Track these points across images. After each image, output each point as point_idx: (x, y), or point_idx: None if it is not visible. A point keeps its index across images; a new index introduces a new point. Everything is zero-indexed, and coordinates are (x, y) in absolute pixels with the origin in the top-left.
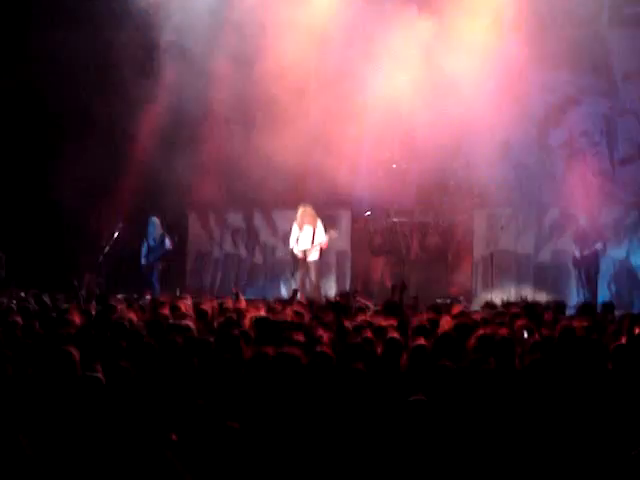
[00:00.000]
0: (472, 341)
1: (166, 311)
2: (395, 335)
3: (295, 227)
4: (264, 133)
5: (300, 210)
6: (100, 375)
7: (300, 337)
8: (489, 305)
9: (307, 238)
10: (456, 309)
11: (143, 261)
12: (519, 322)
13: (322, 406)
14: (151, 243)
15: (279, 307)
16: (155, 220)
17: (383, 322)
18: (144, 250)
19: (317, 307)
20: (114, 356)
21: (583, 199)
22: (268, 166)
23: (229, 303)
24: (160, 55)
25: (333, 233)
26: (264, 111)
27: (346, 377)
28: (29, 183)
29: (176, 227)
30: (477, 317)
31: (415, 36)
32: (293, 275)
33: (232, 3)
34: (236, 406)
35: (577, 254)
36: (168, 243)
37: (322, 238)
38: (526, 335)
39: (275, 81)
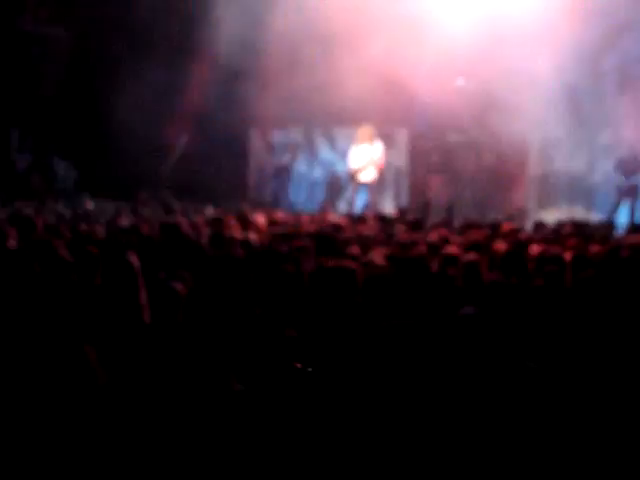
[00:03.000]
0: (524, 258)
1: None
2: (452, 251)
3: (353, 146)
4: (326, 54)
5: (359, 129)
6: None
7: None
8: (539, 225)
9: (364, 156)
10: (506, 227)
11: None
12: (570, 241)
13: (376, 318)
14: None
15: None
16: None
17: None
18: None
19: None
20: (175, 267)
21: (634, 123)
22: (328, 85)
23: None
24: None
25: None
26: (326, 34)
27: (399, 291)
28: (96, 100)
29: (237, 142)
30: (526, 236)
31: None
32: (343, 189)
33: None
34: (294, 317)
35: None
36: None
37: (378, 157)
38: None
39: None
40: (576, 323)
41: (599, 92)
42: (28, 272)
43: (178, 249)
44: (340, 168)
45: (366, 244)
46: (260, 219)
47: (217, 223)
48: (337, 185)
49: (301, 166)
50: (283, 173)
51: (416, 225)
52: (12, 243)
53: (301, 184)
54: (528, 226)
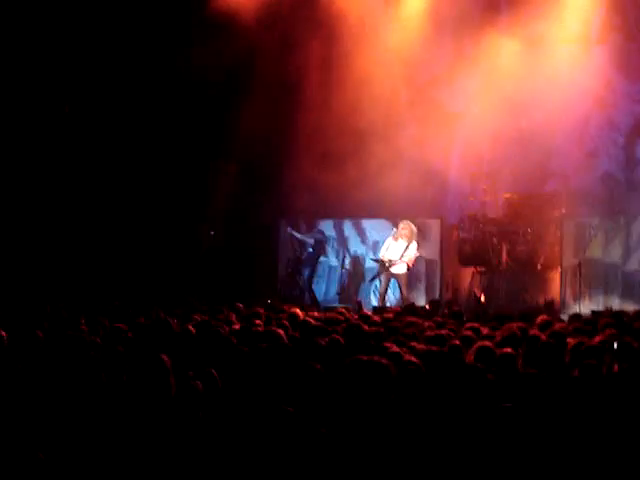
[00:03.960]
0: (562, 349)
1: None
2: (487, 344)
3: (390, 238)
4: (353, 143)
5: (401, 224)
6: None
7: (392, 347)
8: (575, 316)
9: (398, 251)
10: (541, 318)
11: None
12: (608, 331)
13: (411, 415)
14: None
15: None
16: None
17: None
18: None
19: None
20: (206, 363)
21: None
22: (356, 175)
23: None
24: None
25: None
26: (352, 122)
27: (433, 387)
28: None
29: (267, 236)
30: (562, 327)
31: (504, 50)
32: (373, 279)
33: None
34: (325, 414)
35: None
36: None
37: (412, 255)
38: (616, 345)
39: (365, 88)
40: (615, 415)
41: (633, 179)
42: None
43: (210, 345)
44: (369, 261)
45: (399, 339)
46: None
47: (248, 318)
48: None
49: (332, 259)
50: (308, 266)
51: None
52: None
53: (331, 277)
54: (563, 317)
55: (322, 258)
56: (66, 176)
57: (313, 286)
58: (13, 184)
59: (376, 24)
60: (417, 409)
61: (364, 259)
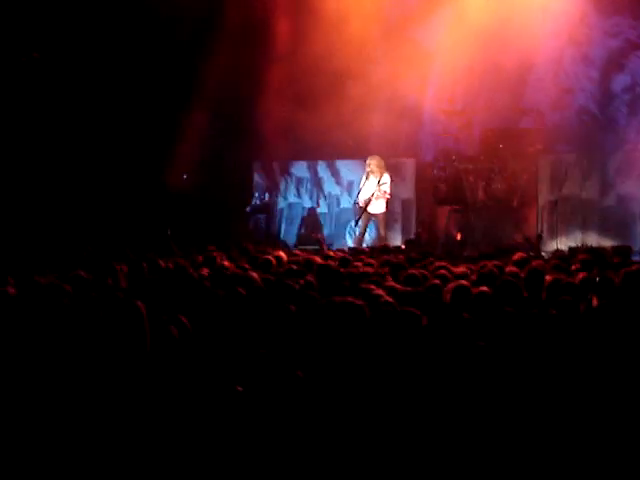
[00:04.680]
0: (539, 286)
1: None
2: (463, 283)
3: (362, 178)
4: (331, 87)
5: (368, 160)
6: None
7: (369, 286)
8: (558, 253)
9: (370, 188)
10: (518, 255)
11: None
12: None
13: (385, 354)
14: None
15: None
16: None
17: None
18: None
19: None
20: (178, 308)
21: None
22: (332, 116)
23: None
24: None
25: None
26: (325, 63)
27: (407, 324)
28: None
29: (241, 177)
30: (539, 263)
31: None
32: (356, 224)
33: None
34: (301, 356)
35: None
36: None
37: (387, 188)
38: (597, 280)
39: (337, 29)
40: (591, 352)
41: (609, 115)
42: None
43: (182, 290)
44: (345, 201)
45: (376, 279)
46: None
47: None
48: (343, 217)
49: (305, 200)
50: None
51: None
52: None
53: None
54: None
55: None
56: (34, 122)
57: (282, 227)
58: None
59: None
60: (392, 350)
61: (339, 200)
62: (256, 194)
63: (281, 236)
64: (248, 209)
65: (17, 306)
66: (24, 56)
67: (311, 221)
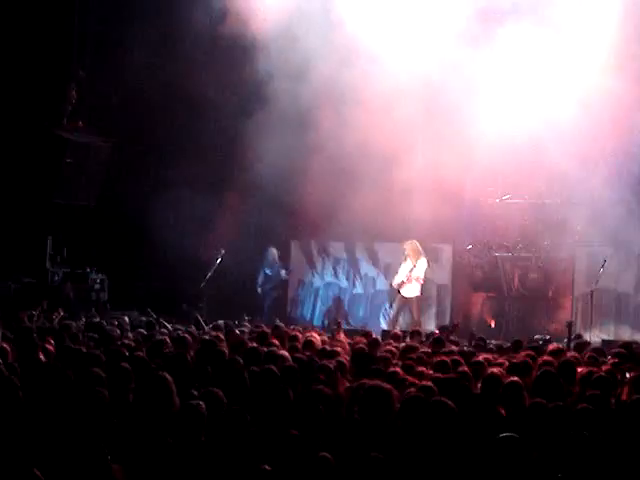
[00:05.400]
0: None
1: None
2: (495, 371)
3: (401, 261)
4: (368, 165)
5: (404, 244)
6: (201, 403)
7: (396, 370)
8: (580, 345)
9: (405, 272)
10: (552, 347)
11: (259, 289)
12: (619, 362)
13: (413, 441)
14: (267, 272)
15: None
16: (272, 250)
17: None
18: (260, 279)
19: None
20: (209, 383)
21: None
22: (373, 199)
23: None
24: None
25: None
26: (369, 145)
27: (439, 413)
28: (131, 210)
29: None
30: (573, 356)
31: (524, 77)
32: (390, 306)
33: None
34: (329, 438)
35: None
36: (284, 273)
37: (420, 273)
38: (628, 376)
39: (382, 114)
40: (620, 446)
41: None
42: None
43: (214, 365)
44: (381, 284)
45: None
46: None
47: (258, 338)
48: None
49: (342, 281)
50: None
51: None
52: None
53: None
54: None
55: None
56: None
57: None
58: None
59: (395, 47)
60: (420, 436)
61: (374, 281)
62: (267, 270)
63: (312, 316)
64: (259, 288)
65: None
66: None
67: (335, 306)
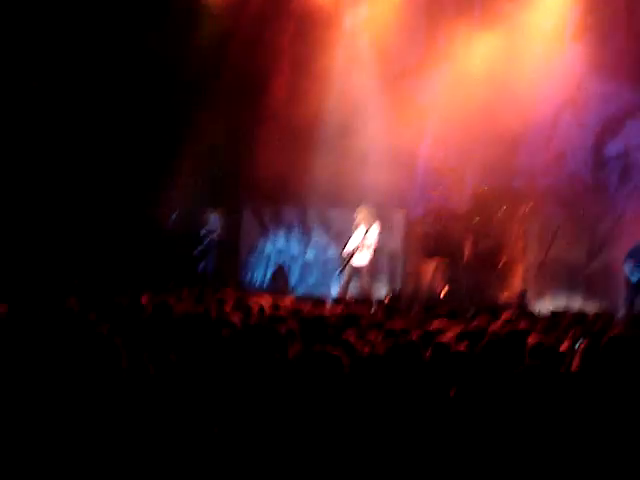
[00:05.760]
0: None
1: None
2: (444, 340)
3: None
4: (323, 133)
5: (358, 210)
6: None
7: (350, 337)
8: (531, 315)
9: (357, 239)
10: (505, 316)
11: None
12: (571, 332)
13: (363, 408)
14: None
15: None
16: (213, 216)
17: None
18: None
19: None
20: (161, 348)
21: (636, 212)
22: (326, 165)
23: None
24: None
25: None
26: (321, 112)
27: (392, 380)
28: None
29: (230, 221)
30: (524, 325)
31: (477, 44)
32: (341, 273)
33: None
34: (278, 404)
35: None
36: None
37: (372, 240)
38: (578, 345)
39: (334, 79)
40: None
41: (600, 181)
42: None
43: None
44: (334, 251)
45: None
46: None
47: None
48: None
49: (294, 248)
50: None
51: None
52: None
53: (294, 266)
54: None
55: None
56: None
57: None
58: None
59: (347, 15)
60: (369, 403)
61: (326, 248)
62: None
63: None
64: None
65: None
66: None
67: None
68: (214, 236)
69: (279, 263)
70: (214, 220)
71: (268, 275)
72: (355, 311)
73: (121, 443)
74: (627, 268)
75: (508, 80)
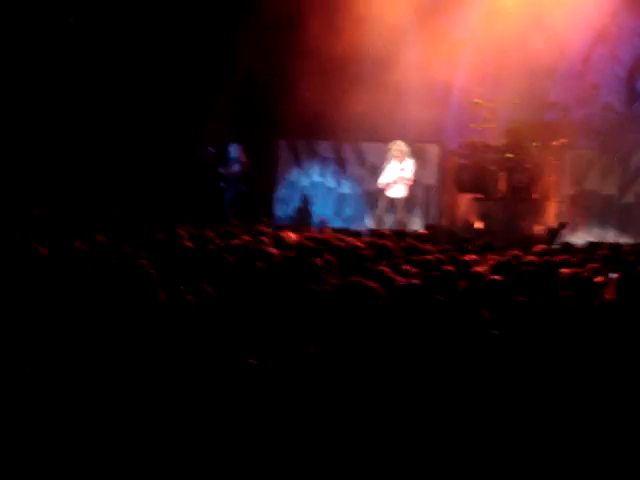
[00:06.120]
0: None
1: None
2: (479, 270)
3: (387, 162)
4: (359, 69)
5: (390, 144)
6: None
7: (384, 269)
8: (567, 247)
9: (392, 172)
10: (538, 248)
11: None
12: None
13: (399, 339)
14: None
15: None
16: (235, 147)
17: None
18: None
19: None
20: (197, 279)
21: None
22: (360, 99)
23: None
24: None
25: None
26: (355, 47)
27: (426, 308)
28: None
29: (264, 154)
30: (559, 258)
31: None
32: (376, 207)
33: None
34: (313, 334)
35: None
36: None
37: (407, 174)
38: (614, 276)
39: (367, 15)
40: (600, 347)
41: (633, 113)
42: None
43: (205, 260)
44: (369, 184)
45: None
46: (291, 235)
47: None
48: (366, 199)
49: (329, 181)
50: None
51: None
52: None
53: (329, 199)
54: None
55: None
56: (66, 90)
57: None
58: (13, 92)
59: None
60: (405, 333)
61: (362, 181)
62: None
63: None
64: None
65: (48, 266)
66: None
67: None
68: (235, 168)
69: (305, 196)
70: (234, 152)
71: (296, 208)
72: (386, 243)
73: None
74: None
75: (541, 12)
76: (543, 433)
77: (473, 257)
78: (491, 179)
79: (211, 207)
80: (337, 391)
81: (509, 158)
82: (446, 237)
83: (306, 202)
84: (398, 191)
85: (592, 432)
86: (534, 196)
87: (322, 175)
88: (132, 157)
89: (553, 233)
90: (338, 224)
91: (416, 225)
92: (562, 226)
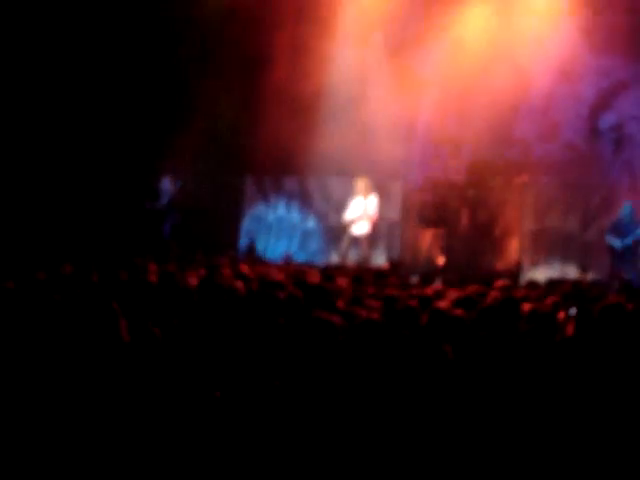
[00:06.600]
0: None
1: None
2: (441, 306)
3: (351, 198)
4: (325, 105)
5: (358, 180)
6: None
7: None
8: (532, 284)
9: (357, 209)
10: (499, 283)
11: None
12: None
13: (360, 372)
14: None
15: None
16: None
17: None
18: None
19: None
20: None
21: (629, 183)
22: (327, 136)
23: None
24: None
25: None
26: (320, 82)
27: (388, 343)
28: None
29: (231, 189)
30: (520, 293)
31: (474, 16)
32: (340, 242)
33: None
34: (279, 367)
35: (617, 244)
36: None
37: (371, 210)
38: (573, 312)
39: (334, 49)
40: (561, 381)
41: (594, 151)
42: None
43: (172, 296)
44: (334, 219)
45: (358, 297)
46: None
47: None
48: (330, 234)
49: (294, 216)
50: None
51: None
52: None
53: (294, 233)
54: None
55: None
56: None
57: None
58: None
59: None
60: (366, 368)
61: (327, 216)
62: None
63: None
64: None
65: (15, 300)
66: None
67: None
68: (163, 201)
69: (251, 238)
70: (165, 184)
71: (245, 245)
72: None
73: (127, 403)
74: (609, 240)
75: (504, 52)
76: (507, 470)
77: (435, 291)
78: (453, 215)
79: (150, 240)
80: (303, 423)
81: (471, 195)
82: (408, 272)
83: (252, 240)
84: (362, 227)
85: (555, 469)
86: (496, 232)
87: (288, 210)
88: (80, 193)
89: (512, 273)
90: (303, 258)
91: (379, 260)
92: (517, 264)
